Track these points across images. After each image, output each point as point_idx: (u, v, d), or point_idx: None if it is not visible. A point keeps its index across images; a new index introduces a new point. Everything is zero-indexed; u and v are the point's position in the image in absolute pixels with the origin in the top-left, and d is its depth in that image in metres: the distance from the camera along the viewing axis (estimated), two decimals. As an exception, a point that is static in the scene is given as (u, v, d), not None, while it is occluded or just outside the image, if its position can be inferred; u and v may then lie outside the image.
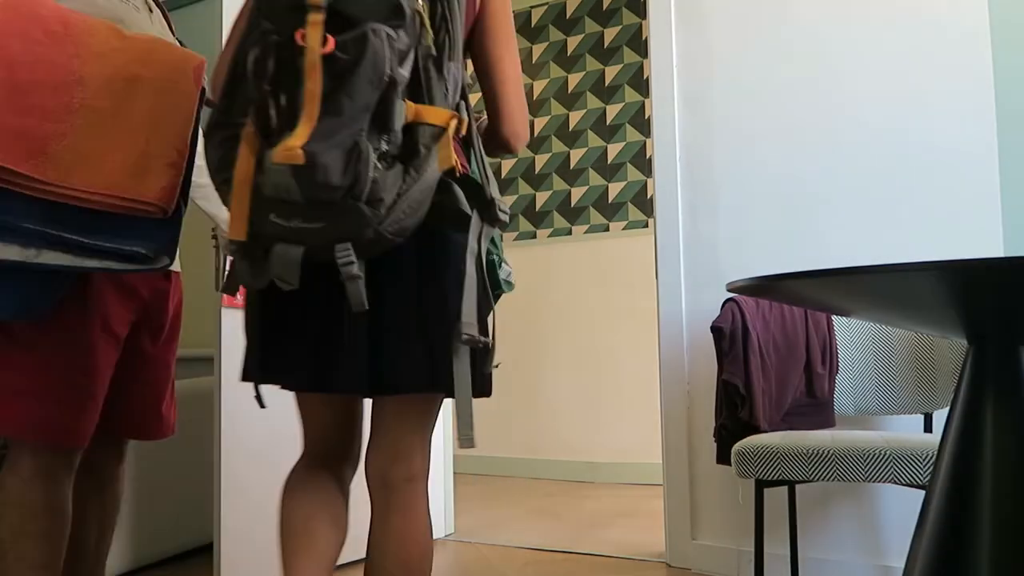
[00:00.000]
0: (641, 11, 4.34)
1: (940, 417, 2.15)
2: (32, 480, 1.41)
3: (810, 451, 1.73)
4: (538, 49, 4.66)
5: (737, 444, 1.85)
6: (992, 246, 2.17)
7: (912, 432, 2.07)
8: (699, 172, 2.59)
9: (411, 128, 1.12)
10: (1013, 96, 2.18)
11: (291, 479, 1.34)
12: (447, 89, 1.16)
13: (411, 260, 1.23)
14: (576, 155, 4.48)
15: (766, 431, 1.99)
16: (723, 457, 2.04)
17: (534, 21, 4.70)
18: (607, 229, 4.36)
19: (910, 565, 1.21)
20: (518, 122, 1.36)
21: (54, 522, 1.43)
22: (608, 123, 4.41)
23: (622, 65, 4.40)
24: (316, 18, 1.06)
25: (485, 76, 1.36)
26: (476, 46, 1.36)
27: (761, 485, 1.86)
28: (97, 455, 1.65)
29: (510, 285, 1.45)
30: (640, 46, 4.35)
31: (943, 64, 2.25)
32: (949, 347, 2.13)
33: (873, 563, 2.24)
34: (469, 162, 1.33)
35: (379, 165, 1.08)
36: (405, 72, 1.10)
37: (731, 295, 2.18)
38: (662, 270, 2.62)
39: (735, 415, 2.01)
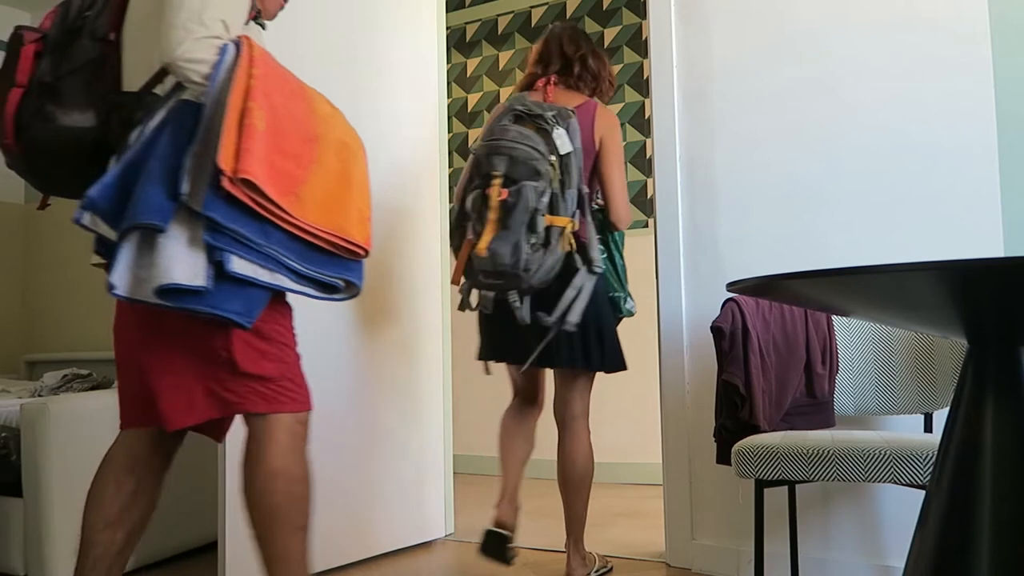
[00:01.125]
0: (641, 11, 4.34)
1: (940, 417, 2.14)
2: (294, 450, 1.62)
3: (810, 451, 1.72)
4: (538, 49, 4.66)
5: (737, 444, 1.84)
6: (992, 246, 2.17)
7: (912, 432, 2.07)
8: (699, 172, 2.59)
9: (548, 229, 2.13)
10: (1013, 96, 2.18)
11: (506, 413, 2.53)
12: (567, 204, 2.17)
13: (556, 294, 2.23)
14: (576, 155, 4.48)
15: (766, 431, 1.99)
16: (723, 457, 2.04)
17: (534, 21, 4.70)
18: (607, 229, 4.36)
19: (910, 565, 1.21)
20: (620, 211, 2.40)
21: (310, 488, 1.63)
22: (608, 123, 4.41)
23: (622, 65, 4.40)
24: (497, 182, 2.12)
25: (601, 185, 2.41)
26: (597, 167, 2.40)
27: (761, 485, 1.86)
28: (173, 448, 1.78)
29: (631, 313, 2.51)
30: (640, 46, 4.35)
31: (943, 64, 2.25)
32: (949, 347, 2.13)
33: (873, 563, 2.24)
34: (588, 233, 2.29)
35: (529, 251, 2.09)
36: (545, 200, 2.12)
37: (731, 295, 2.18)
38: (662, 270, 2.62)
39: (735, 415, 2.01)
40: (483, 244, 2.08)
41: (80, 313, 3.96)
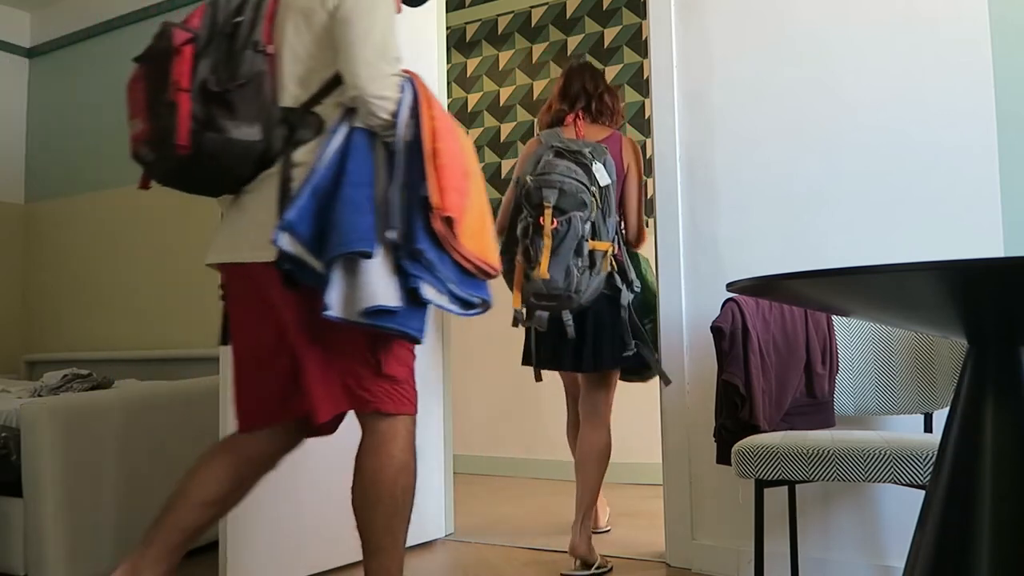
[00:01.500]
0: (641, 11, 4.34)
1: (940, 417, 2.14)
2: (412, 448, 1.76)
3: (810, 451, 1.72)
4: (538, 49, 4.66)
5: (737, 444, 1.85)
6: (992, 246, 2.17)
7: (912, 432, 2.07)
8: (699, 172, 2.59)
9: (592, 252, 2.40)
10: (1013, 96, 2.18)
11: (568, 425, 3.02)
12: (608, 230, 2.45)
13: (598, 309, 2.52)
14: (576, 155, 4.48)
15: (766, 431, 1.99)
16: (723, 457, 2.04)
17: (534, 21, 4.70)
18: (607, 229, 4.36)
19: (910, 565, 1.21)
20: (636, 232, 2.69)
21: (414, 480, 1.77)
22: (608, 123, 4.40)
23: (622, 65, 4.40)
24: (548, 212, 2.37)
25: (623, 208, 2.66)
26: (622, 192, 2.64)
27: (761, 485, 1.86)
28: (285, 451, 1.88)
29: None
30: (640, 46, 4.35)
31: (943, 64, 2.25)
32: (949, 347, 2.13)
33: (873, 563, 2.24)
34: (623, 255, 2.58)
35: (578, 274, 2.36)
36: (588, 227, 2.39)
37: (731, 295, 2.18)
38: (662, 270, 2.62)
39: (735, 415, 2.01)
40: (544, 267, 2.33)
41: (80, 313, 3.96)
